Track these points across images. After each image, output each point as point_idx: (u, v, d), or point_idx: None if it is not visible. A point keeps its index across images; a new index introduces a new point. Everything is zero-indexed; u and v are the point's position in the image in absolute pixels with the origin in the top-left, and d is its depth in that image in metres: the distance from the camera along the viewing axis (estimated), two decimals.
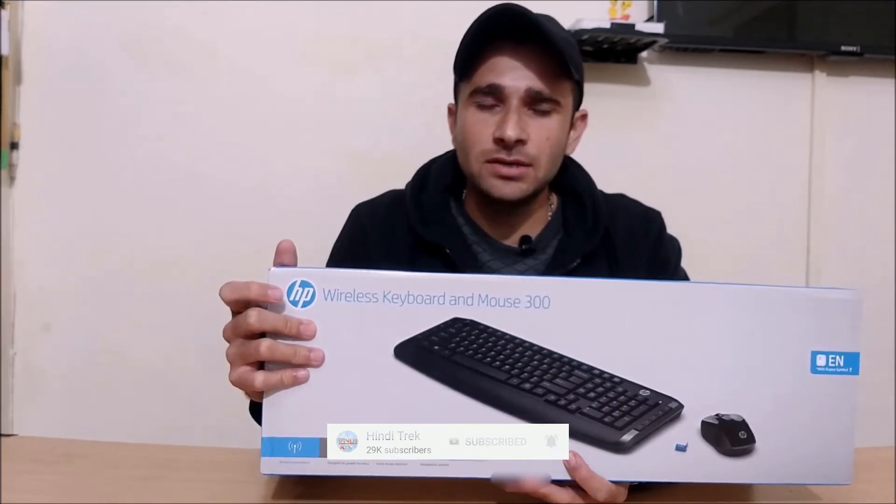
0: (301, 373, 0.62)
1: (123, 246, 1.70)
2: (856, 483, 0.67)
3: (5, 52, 1.56)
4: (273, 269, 0.63)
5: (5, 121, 1.60)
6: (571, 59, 0.87)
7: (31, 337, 1.70)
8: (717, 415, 0.64)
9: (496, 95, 0.88)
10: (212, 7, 1.70)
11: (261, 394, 0.63)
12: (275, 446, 0.62)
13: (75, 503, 0.69)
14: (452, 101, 0.98)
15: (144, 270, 1.71)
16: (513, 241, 0.96)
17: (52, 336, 1.70)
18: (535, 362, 0.64)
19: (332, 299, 0.63)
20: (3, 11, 1.55)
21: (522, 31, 0.86)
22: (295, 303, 0.62)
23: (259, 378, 0.62)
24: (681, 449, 0.64)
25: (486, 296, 0.63)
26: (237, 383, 0.64)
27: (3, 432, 1.01)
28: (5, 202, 1.65)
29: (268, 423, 0.63)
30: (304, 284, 0.63)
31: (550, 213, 0.99)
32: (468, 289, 0.63)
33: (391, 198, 1.00)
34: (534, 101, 0.88)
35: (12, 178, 1.67)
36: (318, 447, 0.62)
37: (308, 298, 0.63)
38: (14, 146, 1.65)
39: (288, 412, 0.62)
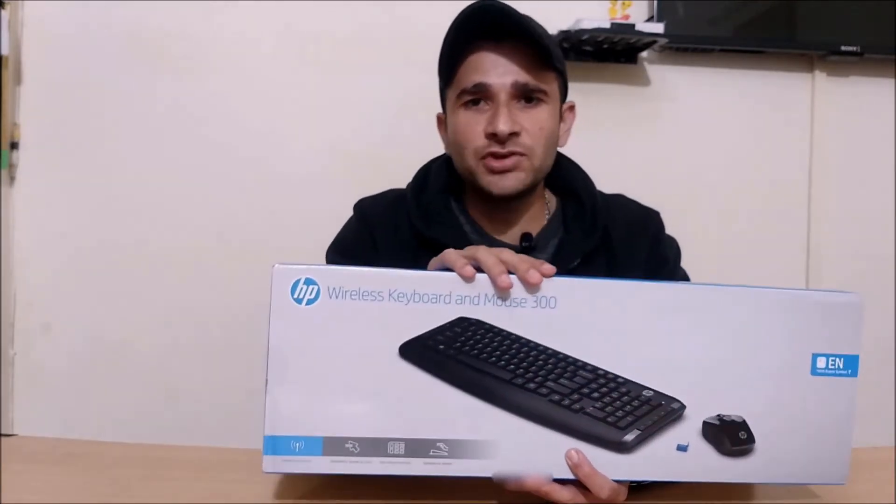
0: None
1: (123, 245, 1.70)
2: (856, 483, 0.67)
3: (5, 52, 1.56)
4: (277, 265, 0.63)
5: (5, 121, 1.59)
6: (552, 49, 0.88)
7: (31, 337, 1.69)
8: (718, 415, 0.64)
9: (483, 94, 0.88)
10: (212, 7, 1.70)
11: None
12: (277, 445, 0.62)
13: (75, 503, 0.68)
14: (441, 110, 0.98)
15: (144, 270, 1.70)
16: (512, 238, 0.96)
17: (52, 336, 1.70)
18: (540, 362, 0.64)
19: (336, 297, 0.62)
20: (3, 11, 1.55)
21: (501, 28, 0.86)
22: (299, 300, 0.62)
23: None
24: (682, 449, 0.64)
25: (493, 295, 0.63)
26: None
27: (3, 432, 1.01)
28: (5, 202, 1.65)
29: (270, 420, 0.62)
30: (309, 282, 0.62)
31: (549, 213, 0.99)
32: (474, 288, 0.63)
33: (393, 196, 1.00)
34: (521, 94, 0.88)
35: (12, 178, 1.67)
36: (321, 446, 0.62)
37: (312, 296, 0.62)
38: (14, 146, 1.65)
39: (290, 410, 0.62)
